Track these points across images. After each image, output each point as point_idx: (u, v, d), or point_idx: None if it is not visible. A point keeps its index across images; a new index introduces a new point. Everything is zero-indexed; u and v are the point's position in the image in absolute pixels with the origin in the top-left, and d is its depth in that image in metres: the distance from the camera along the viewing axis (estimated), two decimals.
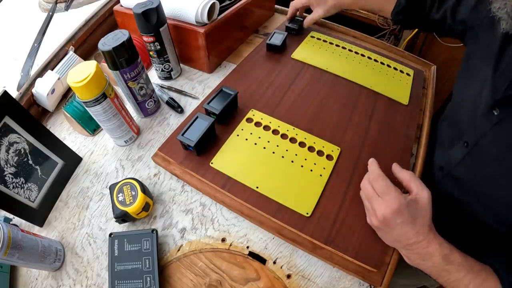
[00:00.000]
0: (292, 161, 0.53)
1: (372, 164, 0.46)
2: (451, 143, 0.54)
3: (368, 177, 0.46)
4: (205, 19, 0.62)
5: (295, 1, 0.76)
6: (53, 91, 0.61)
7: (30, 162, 0.48)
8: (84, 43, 0.72)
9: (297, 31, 0.78)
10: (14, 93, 0.61)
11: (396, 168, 0.47)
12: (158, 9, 0.57)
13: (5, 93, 0.43)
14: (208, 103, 0.56)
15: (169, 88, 0.68)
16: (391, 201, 0.41)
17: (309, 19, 0.75)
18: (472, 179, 0.48)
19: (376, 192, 0.44)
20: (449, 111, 0.62)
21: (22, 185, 0.47)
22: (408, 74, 0.72)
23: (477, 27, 0.52)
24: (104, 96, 0.49)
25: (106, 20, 0.77)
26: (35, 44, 0.78)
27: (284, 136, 0.57)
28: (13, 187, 0.45)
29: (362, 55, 0.75)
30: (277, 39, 0.73)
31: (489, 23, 0.48)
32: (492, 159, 0.44)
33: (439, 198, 0.43)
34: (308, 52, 0.74)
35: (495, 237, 0.48)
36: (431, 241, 0.40)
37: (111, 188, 0.48)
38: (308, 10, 0.77)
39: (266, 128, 0.58)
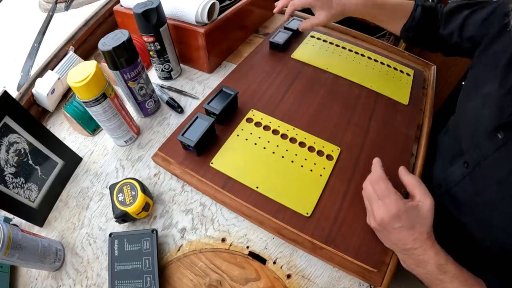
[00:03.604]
0: (292, 161, 0.53)
1: (376, 164, 0.46)
2: (451, 159, 0.53)
3: (370, 177, 0.46)
4: (205, 19, 0.62)
5: (296, 0, 0.65)
6: (53, 91, 0.61)
7: (30, 162, 0.48)
8: (84, 43, 0.72)
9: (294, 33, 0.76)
10: (14, 93, 0.61)
11: (402, 171, 0.46)
12: (158, 9, 0.57)
13: (5, 93, 0.43)
14: (208, 103, 0.56)
15: (169, 88, 0.68)
16: (390, 205, 0.41)
17: (308, 23, 0.65)
18: (471, 200, 0.47)
19: (376, 194, 0.44)
20: (451, 122, 0.60)
21: (22, 185, 0.47)
22: (408, 74, 0.72)
23: (485, 42, 0.50)
24: (104, 96, 0.49)
25: (106, 20, 0.77)
26: (35, 44, 0.78)
27: (284, 136, 0.57)
28: (13, 187, 0.45)
29: (362, 55, 0.75)
30: (280, 38, 0.73)
31: (497, 37, 0.47)
32: (493, 182, 0.42)
33: (437, 214, 0.43)
34: (308, 52, 0.74)
35: (492, 259, 0.46)
36: (428, 249, 0.40)
37: (111, 188, 0.48)
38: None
39: (266, 128, 0.58)
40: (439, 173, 0.57)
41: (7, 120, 0.44)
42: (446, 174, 0.52)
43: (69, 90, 0.66)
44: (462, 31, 0.56)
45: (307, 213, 0.48)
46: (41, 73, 0.64)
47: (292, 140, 0.57)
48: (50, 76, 0.61)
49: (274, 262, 0.46)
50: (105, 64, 0.54)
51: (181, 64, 0.72)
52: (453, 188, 0.50)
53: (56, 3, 0.90)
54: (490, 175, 0.43)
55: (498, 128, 0.42)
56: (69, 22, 0.77)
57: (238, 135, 0.56)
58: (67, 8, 0.90)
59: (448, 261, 0.40)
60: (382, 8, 0.62)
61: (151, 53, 0.64)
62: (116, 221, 0.48)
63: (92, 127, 0.60)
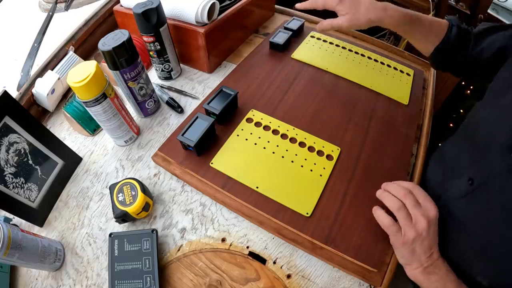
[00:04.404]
0: (292, 161, 0.53)
1: (400, 182, 0.47)
2: (454, 170, 0.50)
3: (404, 185, 0.46)
4: (205, 19, 0.62)
5: (320, 0, 0.57)
6: (53, 91, 0.61)
7: (30, 162, 0.48)
8: (84, 43, 0.72)
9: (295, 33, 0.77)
10: (14, 93, 0.61)
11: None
12: (158, 9, 0.57)
13: (5, 93, 0.43)
14: (208, 103, 0.56)
15: (169, 88, 0.68)
16: (432, 206, 0.42)
17: (327, 25, 0.57)
18: (470, 223, 0.43)
19: (417, 199, 0.44)
20: (460, 129, 0.56)
21: (22, 185, 0.47)
22: (408, 74, 0.72)
23: None
24: (104, 96, 0.49)
25: (106, 20, 0.77)
26: (35, 44, 0.78)
27: (284, 136, 0.57)
28: (13, 187, 0.45)
29: (362, 55, 0.75)
30: (280, 38, 0.74)
31: None
32: (497, 206, 0.39)
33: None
34: (308, 52, 0.74)
35: None
36: (439, 254, 0.42)
37: (111, 188, 0.48)
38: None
39: (266, 128, 0.58)
40: (437, 182, 0.53)
41: (7, 120, 0.44)
42: (446, 186, 0.48)
43: (69, 90, 0.66)
44: (492, 44, 0.52)
45: (307, 213, 0.48)
46: (41, 73, 0.64)
47: (292, 140, 0.57)
48: (50, 76, 0.61)
49: (274, 262, 0.46)
50: (105, 64, 0.54)
51: (181, 64, 0.72)
52: (452, 203, 0.46)
53: (56, 3, 0.90)
54: (496, 198, 0.39)
55: None
56: (69, 22, 0.77)
57: (238, 135, 0.56)
58: (67, 8, 0.90)
59: (452, 271, 0.41)
60: (418, 24, 0.56)
61: (151, 53, 0.64)
62: (116, 221, 0.48)
63: (92, 127, 0.60)
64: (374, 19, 0.54)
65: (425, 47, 0.59)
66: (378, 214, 0.45)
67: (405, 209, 0.43)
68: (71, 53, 0.67)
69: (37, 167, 0.49)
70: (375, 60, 0.74)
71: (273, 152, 0.54)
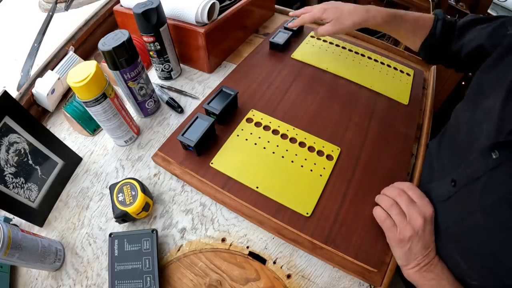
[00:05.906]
0: (292, 161, 0.53)
1: (397, 183, 0.48)
2: (437, 171, 0.50)
3: (401, 186, 0.47)
4: (205, 19, 0.62)
5: (306, 15, 0.63)
6: (53, 91, 0.61)
7: (30, 162, 0.48)
8: (84, 43, 0.72)
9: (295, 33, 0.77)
10: (14, 93, 0.61)
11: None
12: (158, 9, 0.57)
13: (5, 93, 0.43)
14: (208, 103, 0.56)
15: (169, 88, 0.68)
16: (428, 205, 0.43)
17: (320, 32, 0.62)
18: (454, 225, 0.41)
19: (412, 198, 0.44)
20: (444, 130, 0.57)
21: (22, 185, 0.47)
22: (408, 74, 0.72)
23: (496, 53, 0.46)
24: (104, 96, 0.49)
25: (106, 20, 0.77)
26: (35, 44, 0.78)
27: (284, 136, 0.57)
28: (13, 187, 0.45)
29: (362, 55, 0.75)
30: (280, 38, 0.74)
31: (506, 51, 0.44)
32: (478, 210, 0.38)
33: None
34: (308, 52, 0.74)
35: None
36: (436, 253, 0.42)
37: (111, 188, 0.48)
38: None
39: (266, 128, 0.58)
40: (425, 182, 0.52)
41: (7, 120, 0.44)
42: (432, 187, 0.47)
43: (69, 90, 0.66)
44: (472, 41, 0.53)
45: (307, 213, 0.48)
46: (41, 73, 0.64)
47: (292, 140, 0.57)
48: (50, 76, 0.61)
49: (274, 262, 0.46)
50: (105, 64, 0.54)
51: (181, 64, 0.72)
52: (437, 205, 0.44)
53: (56, 3, 0.90)
54: (477, 200, 0.38)
55: (494, 146, 0.37)
56: (69, 22, 0.77)
57: (238, 135, 0.56)
58: (67, 8, 0.90)
59: (446, 267, 0.41)
60: (402, 22, 0.58)
61: (151, 53, 0.64)
62: (116, 221, 0.48)
63: (92, 127, 0.60)
64: (358, 21, 0.57)
65: (413, 43, 0.62)
66: (376, 210, 0.46)
67: (397, 207, 0.44)
68: (71, 53, 0.67)
69: (37, 167, 0.49)
70: (375, 60, 0.74)
71: (273, 152, 0.54)
